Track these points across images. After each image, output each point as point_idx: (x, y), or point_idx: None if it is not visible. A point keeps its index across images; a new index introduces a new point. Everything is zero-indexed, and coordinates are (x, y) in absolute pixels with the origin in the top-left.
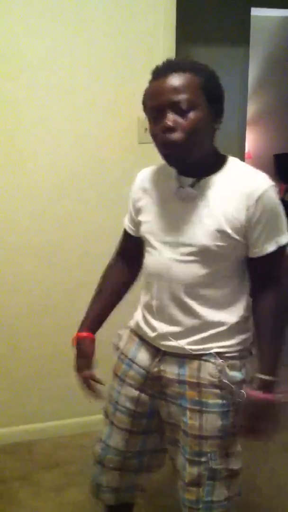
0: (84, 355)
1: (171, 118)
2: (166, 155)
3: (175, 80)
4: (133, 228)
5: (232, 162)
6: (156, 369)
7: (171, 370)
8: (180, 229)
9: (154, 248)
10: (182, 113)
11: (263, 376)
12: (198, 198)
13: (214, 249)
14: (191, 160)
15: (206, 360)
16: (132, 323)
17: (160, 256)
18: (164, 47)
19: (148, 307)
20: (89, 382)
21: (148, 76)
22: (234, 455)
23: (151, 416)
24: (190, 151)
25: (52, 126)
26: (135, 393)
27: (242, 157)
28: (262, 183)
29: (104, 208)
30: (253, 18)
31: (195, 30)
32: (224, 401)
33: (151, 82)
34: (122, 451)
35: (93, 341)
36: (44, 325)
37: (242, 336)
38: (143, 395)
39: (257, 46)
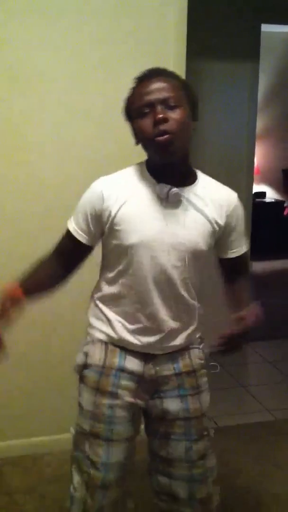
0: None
1: (163, 111)
2: (159, 146)
3: (161, 81)
4: (86, 237)
5: (202, 175)
6: (152, 372)
7: (166, 368)
8: (170, 233)
9: (144, 257)
10: (171, 108)
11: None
12: (183, 205)
13: (205, 250)
14: (179, 154)
15: (192, 348)
16: (101, 336)
17: (154, 262)
18: (174, 62)
19: (133, 315)
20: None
21: None
22: (209, 420)
23: (137, 423)
24: (180, 144)
25: (62, 139)
26: (131, 400)
27: (251, 172)
28: (235, 195)
29: None
30: (263, 34)
31: (206, 45)
32: (206, 378)
33: (136, 85)
34: (124, 463)
35: (20, 298)
36: (50, 337)
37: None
38: (139, 401)
39: (266, 61)
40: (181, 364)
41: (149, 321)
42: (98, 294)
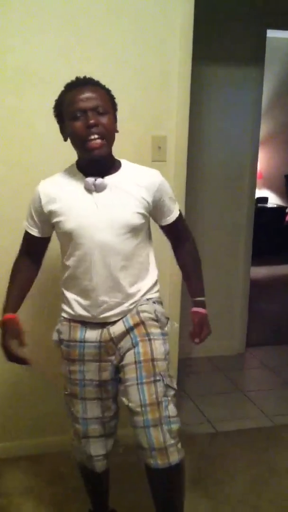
0: (14, 335)
1: (94, 117)
2: (90, 147)
3: (92, 91)
4: (37, 230)
5: (126, 162)
6: (107, 336)
7: (118, 329)
8: (102, 214)
9: (84, 237)
10: (100, 114)
11: (201, 298)
12: (110, 190)
13: (138, 223)
14: (107, 152)
15: (141, 304)
16: (65, 315)
17: (93, 241)
18: (180, 67)
19: (84, 292)
20: (17, 357)
21: (163, 96)
22: (172, 377)
23: (114, 381)
24: (108, 144)
25: (66, 143)
26: (96, 364)
27: (254, 177)
28: (156, 172)
29: None
30: (268, 40)
31: (211, 50)
32: (162, 331)
33: (69, 91)
34: (100, 417)
35: (18, 320)
36: (50, 337)
37: (158, 287)
38: (102, 363)
39: (271, 66)
40: (131, 321)
41: (97, 295)
42: (62, 279)
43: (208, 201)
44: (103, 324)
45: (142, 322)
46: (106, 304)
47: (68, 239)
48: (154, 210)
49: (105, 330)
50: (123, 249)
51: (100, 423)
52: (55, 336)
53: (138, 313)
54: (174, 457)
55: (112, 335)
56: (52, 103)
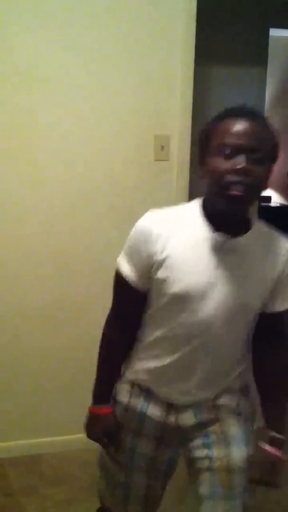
0: (109, 431)
1: (247, 162)
2: (229, 200)
3: (257, 129)
4: (141, 286)
5: (257, 222)
6: (172, 420)
7: (188, 417)
8: (223, 286)
9: (189, 307)
10: (256, 162)
11: (276, 435)
12: (237, 256)
13: (258, 308)
14: (245, 210)
15: (221, 395)
16: (131, 376)
17: (200, 316)
18: (182, 67)
19: (164, 370)
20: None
21: (166, 95)
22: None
23: (170, 461)
24: (249, 201)
25: (68, 141)
26: (154, 442)
27: None
28: None
29: (117, 223)
30: (271, 39)
31: (213, 50)
32: (244, 428)
33: (227, 118)
34: (143, 487)
35: (114, 415)
36: (52, 339)
37: (244, 372)
38: (162, 445)
39: (273, 66)
40: (205, 412)
41: (180, 376)
42: (139, 338)
43: None
44: (170, 405)
45: (218, 419)
46: (186, 389)
47: (166, 302)
48: (273, 289)
49: (171, 413)
50: (236, 339)
51: (144, 492)
52: (115, 392)
53: (215, 405)
54: None
55: (180, 423)
56: (54, 102)
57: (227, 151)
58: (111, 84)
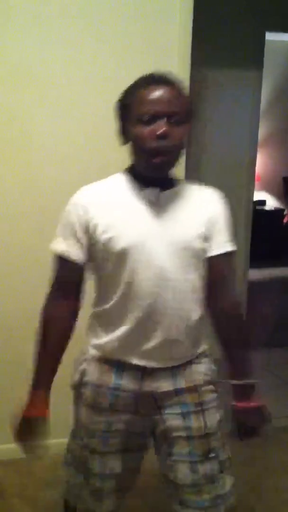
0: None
1: (166, 126)
2: (153, 159)
3: (174, 93)
4: (81, 254)
5: (181, 179)
6: (148, 389)
7: (165, 384)
8: (166, 233)
9: (140, 259)
10: (175, 124)
11: (243, 382)
12: (173, 206)
13: (201, 249)
14: (170, 168)
15: (195, 363)
16: (98, 353)
17: (152, 266)
18: (179, 70)
19: (130, 331)
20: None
21: None
22: (227, 443)
23: (143, 436)
24: (174, 161)
25: (65, 143)
26: (127, 416)
27: (252, 180)
28: (220, 194)
29: None
30: (267, 42)
31: (209, 53)
32: (215, 395)
33: (142, 88)
34: (118, 473)
35: (48, 415)
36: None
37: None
38: (136, 416)
39: (269, 69)
40: (182, 380)
41: (147, 333)
42: (95, 310)
43: None
44: (144, 370)
45: (195, 388)
46: (160, 351)
47: (116, 262)
48: (210, 233)
49: (147, 381)
50: (186, 280)
51: (118, 478)
52: (77, 378)
53: (192, 372)
54: None
55: (158, 390)
56: (51, 103)
57: (147, 118)
58: (108, 86)
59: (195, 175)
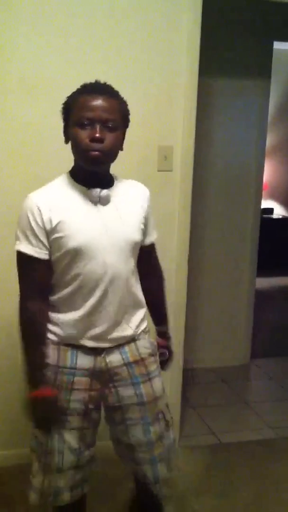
0: (56, 411)
1: (101, 131)
2: (90, 160)
3: (108, 102)
4: (47, 252)
5: (117, 176)
6: (103, 364)
7: (116, 359)
8: (110, 230)
9: (90, 255)
10: (109, 130)
11: (167, 330)
12: (113, 204)
13: (140, 238)
14: (104, 169)
15: (139, 339)
16: (52, 337)
17: (99, 262)
18: (186, 78)
19: (83, 317)
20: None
21: (170, 106)
22: (168, 405)
23: (98, 409)
24: (109, 160)
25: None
26: (85, 394)
27: (260, 188)
28: (145, 188)
29: None
30: (275, 51)
31: (218, 61)
32: (157, 364)
33: (82, 95)
34: (76, 448)
35: (56, 394)
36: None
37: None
38: (92, 393)
39: (277, 78)
40: (129, 355)
41: (98, 317)
42: (52, 298)
43: (213, 212)
44: (96, 349)
45: (142, 360)
46: (110, 332)
47: (69, 259)
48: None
49: (99, 358)
50: (129, 271)
51: (75, 454)
52: None
53: (137, 346)
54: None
55: (109, 365)
56: (58, 113)
57: (85, 122)
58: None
59: (202, 183)
